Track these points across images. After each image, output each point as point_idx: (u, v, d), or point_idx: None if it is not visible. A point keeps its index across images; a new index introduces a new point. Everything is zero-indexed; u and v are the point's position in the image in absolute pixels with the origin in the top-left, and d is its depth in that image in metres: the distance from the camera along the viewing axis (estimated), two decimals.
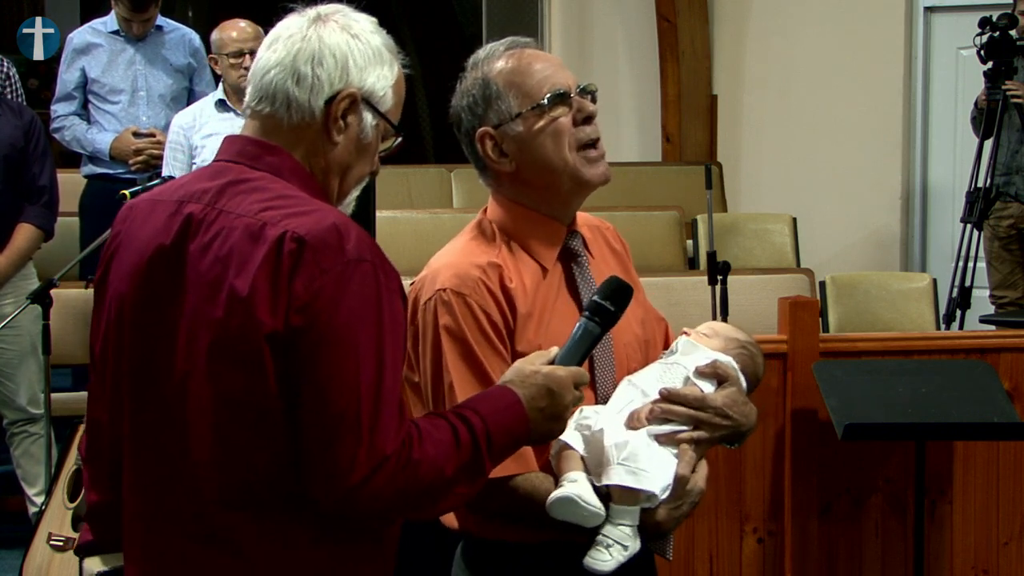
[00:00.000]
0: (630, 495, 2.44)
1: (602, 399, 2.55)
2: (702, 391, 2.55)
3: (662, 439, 2.48)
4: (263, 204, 2.09)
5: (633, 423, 2.49)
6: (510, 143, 2.55)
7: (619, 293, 2.35)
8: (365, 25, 2.21)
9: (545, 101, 2.54)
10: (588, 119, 2.57)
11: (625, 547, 2.43)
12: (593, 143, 2.57)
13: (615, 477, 2.43)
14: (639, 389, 2.54)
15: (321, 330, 2.01)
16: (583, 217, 2.69)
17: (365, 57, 2.18)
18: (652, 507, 2.46)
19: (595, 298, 2.34)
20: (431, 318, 2.49)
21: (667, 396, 2.51)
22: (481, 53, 2.62)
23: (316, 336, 2.01)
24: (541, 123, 2.54)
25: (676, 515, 2.50)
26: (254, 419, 2.04)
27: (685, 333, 2.70)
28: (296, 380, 2.02)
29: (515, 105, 2.54)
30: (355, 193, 2.26)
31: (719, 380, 2.56)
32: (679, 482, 2.47)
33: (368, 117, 2.19)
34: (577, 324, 2.33)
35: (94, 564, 2.31)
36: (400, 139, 2.26)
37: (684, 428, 2.51)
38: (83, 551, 2.32)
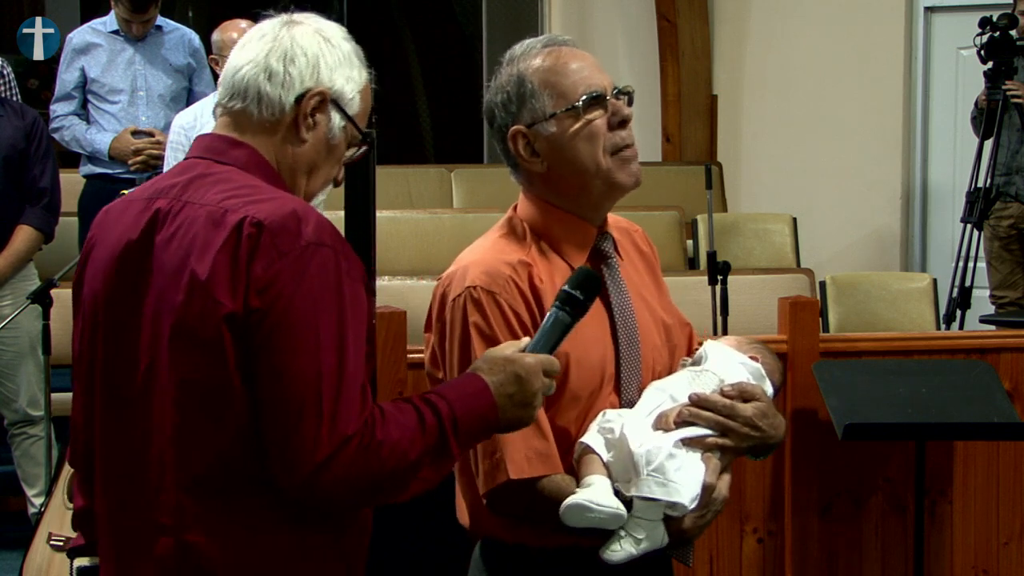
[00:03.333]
0: (656, 504, 2.43)
1: (626, 403, 2.53)
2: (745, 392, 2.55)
3: (689, 443, 2.47)
4: (226, 193, 2.12)
5: (661, 424, 2.48)
6: (543, 143, 2.53)
7: (588, 282, 2.33)
8: (336, 31, 2.26)
9: (580, 103, 2.51)
10: (623, 123, 2.55)
11: (638, 540, 2.42)
12: (626, 149, 2.55)
13: (645, 489, 2.42)
14: (668, 394, 2.53)
15: (280, 312, 2.03)
16: (612, 218, 2.67)
17: (336, 59, 2.22)
18: (679, 515, 2.45)
19: (565, 287, 2.32)
20: (460, 315, 2.46)
21: (696, 401, 2.50)
22: (518, 49, 2.58)
23: (275, 318, 2.03)
24: (576, 126, 2.51)
25: (700, 523, 2.48)
26: (214, 402, 2.07)
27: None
28: (256, 362, 2.05)
29: (549, 105, 2.51)
30: (321, 196, 2.29)
31: (745, 399, 2.54)
32: (706, 491, 2.46)
33: (336, 118, 2.23)
34: (548, 313, 2.31)
35: (81, 561, 2.34)
36: (365, 148, 2.29)
37: (711, 433, 2.50)
38: (75, 554, 2.34)
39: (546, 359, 2.25)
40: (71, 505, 4.51)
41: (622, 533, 2.42)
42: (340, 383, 2.04)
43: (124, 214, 2.22)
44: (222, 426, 2.07)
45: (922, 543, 4.29)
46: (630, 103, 2.57)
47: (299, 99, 2.19)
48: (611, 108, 2.53)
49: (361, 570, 2.22)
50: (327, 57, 2.21)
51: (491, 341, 2.43)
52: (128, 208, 2.23)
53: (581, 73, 2.53)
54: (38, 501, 5.46)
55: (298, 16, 2.25)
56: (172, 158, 5.77)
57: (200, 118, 5.78)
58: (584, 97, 2.51)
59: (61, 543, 4.47)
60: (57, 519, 4.53)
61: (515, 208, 2.62)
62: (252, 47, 2.22)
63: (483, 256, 2.52)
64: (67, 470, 4.57)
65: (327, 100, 2.21)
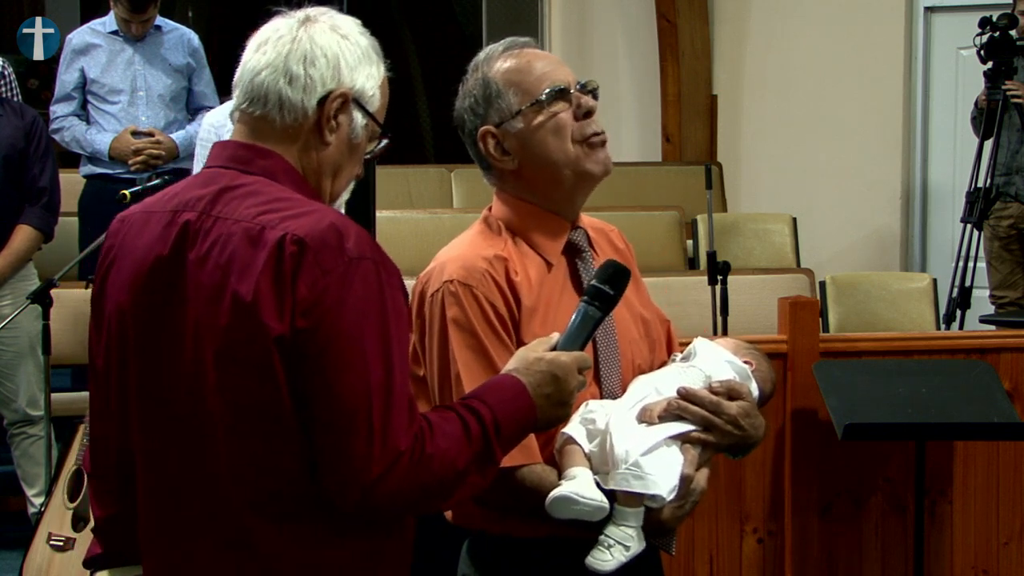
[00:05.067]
0: (636, 498, 2.45)
1: (608, 394, 2.56)
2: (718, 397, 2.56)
3: (673, 439, 2.49)
4: (260, 208, 2.09)
5: (644, 417, 2.50)
6: (511, 140, 2.57)
7: (617, 276, 2.36)
8: (352, 26, 2.22)
9: (544, 97, 2.55)
10: (588, 114, 2.58)
11: (627, 547, 2.44)
12: (597, 134, 2.58)
13: (622, 482, 2.43)
14: (653, 387, 2.55)
15: (328, 331, 2.01)
16: (588, 220, 2.71)
17: (355, 57, 2.19)
18: (657, 507, 2.47)
19: (593, 282, 2.35)
20: (438, 310, 2.50)
21: (684, 395, 2.53)
22: (481, 55, 2.64)
23: (323, 337, 2.01)
24: (541, 119, 2.56)
25: (679, 514, 2.51)
26: (268, 424, 2.05)
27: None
28: (306, 382, 2.03)
29: (515, 103, 2.56)
30: (345, 196, 2.27)
31: (731, 397, 2.56)
32: (684, 482, 2.48)
33: (358, 117, 2.20)
34: (577, 309, 2.34)
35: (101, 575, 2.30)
36: (386, 141, 2.26)
37: (695, 428, 2.52)
38: (92, 565, 2.31)
39: (579, 356, 2.27)
40: (71, 505, 4.51)
41: (610, 542, 2.44)
42: (389, 398, 2.03)
43: (147, 226, 2.17)
44: (276, 446, 2.05)
45: (922, 543, 4.28)
46: (595, 97, 2.61)
47: (321, 102, 2.15)
48: (575, 101, 2.58)
49: (409, 567, 2.23)
50: (347, 56, 2.17)
51: (469, 334, 2.47)
52: (150, 220, 2.18)
53: (544, 70, 2.58)
54: (38, 501, 5.46)
55: (313, 12, 2.20)
56: (200, 155, 5.74)
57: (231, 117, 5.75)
58: (547, 91, 2.55)
59: (61, 543, 4.46)
60: (57, 519, 4.53)
61: (490, 209, 2.66)
62: (269, 49, 2.16)
63: (460, 252, 2.56)
64: (67, 470, 4.57)
65: (349, 100, 2.17)
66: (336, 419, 2.02)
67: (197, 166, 5.66)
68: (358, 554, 2.12)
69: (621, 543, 2.43)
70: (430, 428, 2.08)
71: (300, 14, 2.20)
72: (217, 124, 5.74)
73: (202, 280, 2.08)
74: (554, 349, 2.28)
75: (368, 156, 2.27)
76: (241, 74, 2.19)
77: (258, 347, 2.02)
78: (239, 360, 2.04)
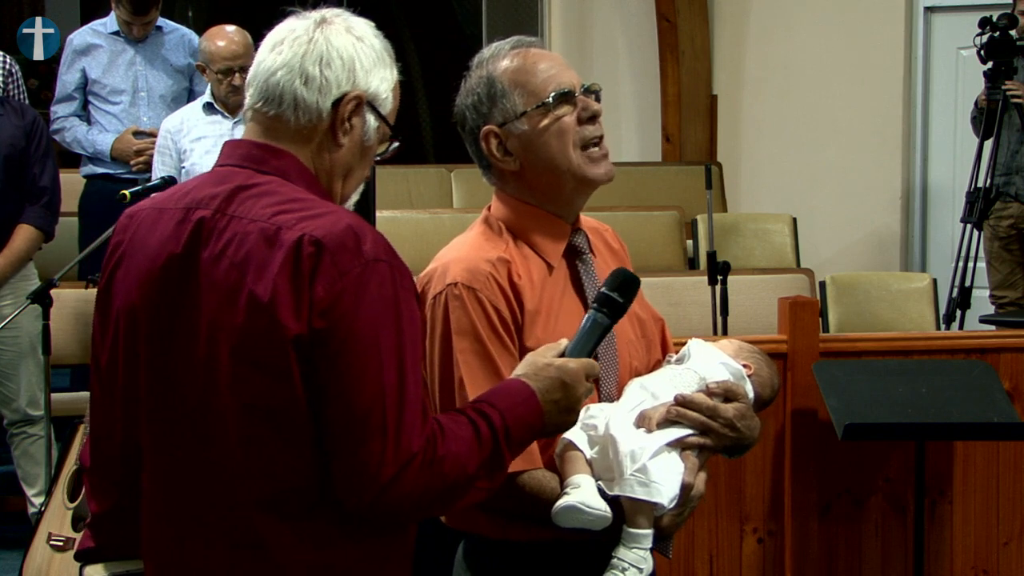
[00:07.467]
0: (640, 506, 2.45)
1: (605, 397, 2.56)
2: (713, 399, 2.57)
3: (672, 444, 2.50)
4: (276, 208, 2.09)
5: (643, 422, 2.50)
6: (514, 141, 2.56)
7: (627, 284, 2.36)
8: (367, 29, 2.23)
9: (550, 100, 2.54)
10: (592, 118, 2.57)
11: (640, 570, 2.45)
12: (597, 142, 2.58)
13: (628, 489, 2.44)
14: (649, 392, 2.55)
15: (344, 332, 2.02)
16: (583, 218, 2.70)
17: (370, 59, 2.20)
18: (658, 515, 2.47)
19: (603, 289, 2.35)
20: (441, 312, 2.49)
21: (682, 401, 2.53)
22: (486, 52, 2.62)
23: (339, 338, 2.02)
24: (545, 122, 2.54)
25: (678, 521, 2.52)
26: (281, 423, 2.05)
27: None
28: (321, 383, 2.04)
29: (520, 104, 2.55)
30: (355, 197, 2.28)
31: (727, 399, 2.57)
32: (684, 489, 2.49)
33: (371, 120, 2.20)
34: (586, 316, 2.34)
35: (96, 571, 2.30)
36: (397, 143, 2.27)
37: (693, 433, 2.53)
38: (83, 558, 2.31)
39: (588, 363, 2.27)
40: (71, 505, 4.51)
41: (624, 565, 2.45)
42: (402, 401, 2.04)
43: (158, 223, 2.17)
44: (289, 447, 2.06)
45: (922, 543, 4.29)
46: (598, 100, 2.60)
47: (336, 103, 2.16)
48: (580, 104, 2.57)
49: (411, 566, 2.24)
50: (362, 58, 2.18)
51: (473, 337, 2.46)
52: (161, 217, 2.18)
53: (549, 72, 2.57)
54: (38, 501, 5.47)
55: (329, 13, 2.21)
56: (159, 162, 5.78)
57: (187, 122, 5.78)
58: (553, 94, 2.54)
59: (61, 543, 4.46)
60: (57, 519, 4.53)
61: (489, 208, 2.65)
62: (285, 50, 2.17)
63: (463, 253, 2.55)
64: (67, 470, 4.57)
65: (363, 103, 2.18)
66: (350, 420, 2.03)
67: (155, 172, 5.69)
68: (367, 554, 2.12)
69: (635, 565, 2.45)
70: (441, 431, 2.09)
71: (316, 15, 2.20)
72: (173, 130, 5.76)
73: (216, 279, 2.08)
74: (563, 355, 2.28)
75: (378, 158, 2.27)
76: (255, 73, 2.19)
77: (275, 346, 2.03)
78: (255, 359, 2.05)
